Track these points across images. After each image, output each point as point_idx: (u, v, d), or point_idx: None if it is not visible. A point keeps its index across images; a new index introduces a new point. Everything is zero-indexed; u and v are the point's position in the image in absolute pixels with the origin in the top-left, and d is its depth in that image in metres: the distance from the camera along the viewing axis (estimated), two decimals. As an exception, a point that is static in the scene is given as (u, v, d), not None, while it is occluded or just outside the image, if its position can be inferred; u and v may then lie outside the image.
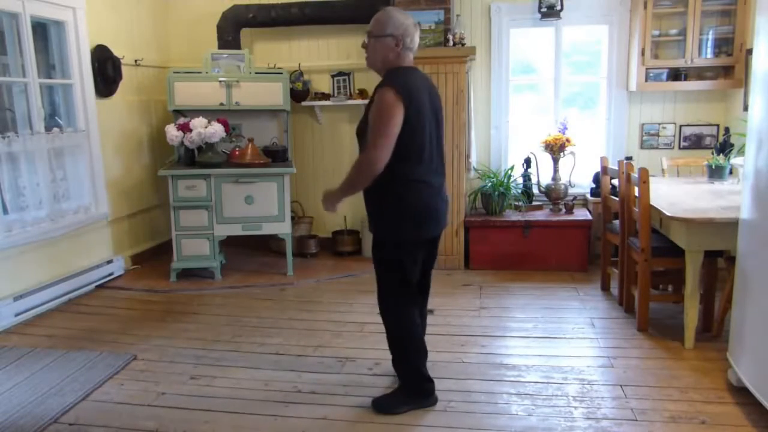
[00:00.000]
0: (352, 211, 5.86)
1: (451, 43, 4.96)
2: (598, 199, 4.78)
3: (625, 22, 5.16)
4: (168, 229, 5.11)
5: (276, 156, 5.13)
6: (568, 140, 5.07)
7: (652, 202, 3.58)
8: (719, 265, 3.73)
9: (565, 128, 5.13)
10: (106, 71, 4.89)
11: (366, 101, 5.44)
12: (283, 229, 5.02)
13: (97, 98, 4.82)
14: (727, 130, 4.69)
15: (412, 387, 2.89)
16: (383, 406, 2.87)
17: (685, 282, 3.44)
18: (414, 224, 2.70)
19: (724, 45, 4.88)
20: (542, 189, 5.31)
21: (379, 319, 4.10)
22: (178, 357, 3.50)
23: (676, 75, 5.03)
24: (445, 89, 4.96)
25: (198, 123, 4.85)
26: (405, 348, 2.88)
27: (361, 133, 2.73)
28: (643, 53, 4.91)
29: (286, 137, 5.52)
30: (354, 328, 3.90)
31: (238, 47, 5.45)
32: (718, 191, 3.90)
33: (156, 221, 5.72)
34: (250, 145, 4.99)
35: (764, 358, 2.62)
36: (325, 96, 5.61)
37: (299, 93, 5.56)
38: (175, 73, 5.19)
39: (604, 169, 4.41)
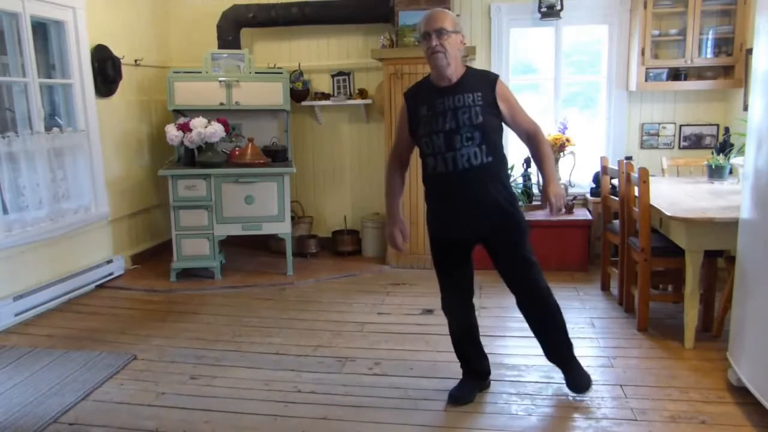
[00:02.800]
0: (352, 211, 5.86)
1: (451, 43, 4.95)
2: (598, 199, 4.78)
3: (625, 22, 5.16)
4: (168, 229, 5.11)
5: (276, 156, 5.13)
6: (568, 140, 5.07)
7: (652, 202, 3.58)
8: (719, 265, 3.73)
9: (565, 128, 5.13)
10: (106, 71, 4.89)
11: (366, 101, 5.49)
12: (283, 229, 5.02)
13: (97, 98, 4.82)
14: (727, 130, 4.70)
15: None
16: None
17: (685, 282, 3.44)
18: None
19: (724, 45, 4.88)
20: (542, 189, 5.29)
21: (379, 319, 4.12)
22: (178, 357, 3.50)
23: (676, 75, 5.03)
24: (445, 89, 4.95)
25: (198, 123, 4.85)
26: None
27: (486, 124, 2.70)
28: (643, 53, 4.91)
29: (286, 137, 5.52)
30: (354, 328, 3.90)
31: (238, 47, 5.45)
32: (718, 191, 3.90)
33: (156, 221, 5.72)
34: (250, 145, 4.99)
35: (764, 358, 2.62)
36: (325, 96, 5.61)
37: (299, 93, 5.56)
38: (175, 72, 5.19)
39: (604, 169, 4.41)
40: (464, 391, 2.97)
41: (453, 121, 2.67)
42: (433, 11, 2.72)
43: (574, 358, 3.00)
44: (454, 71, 2.69)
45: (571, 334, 3.67)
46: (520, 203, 5.20)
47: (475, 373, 3.04)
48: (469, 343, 3.04)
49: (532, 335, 3.72)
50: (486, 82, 2.74)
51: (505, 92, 2.76)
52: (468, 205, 2.75)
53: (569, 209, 5.17)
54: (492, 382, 3.12)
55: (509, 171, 5.25)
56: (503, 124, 2.80)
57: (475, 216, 2.77)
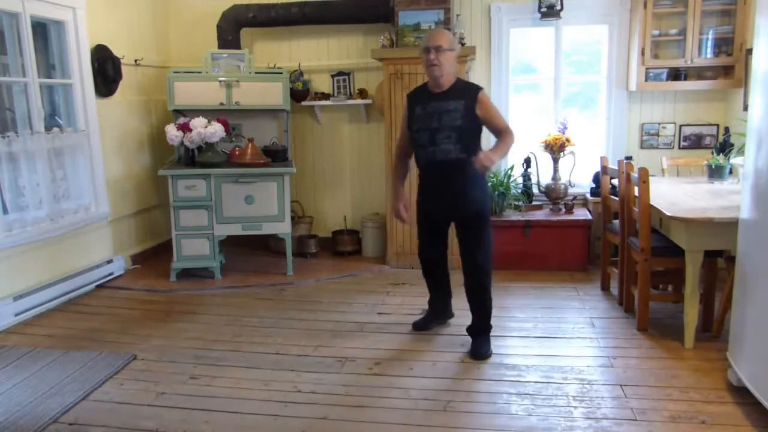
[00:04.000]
0: (352, 211, 5.86)
1: (451, 42, 4.95)
2: (598, 199, 4.78)
3: (625, 22, 5.16)
4: (168, 229, 5.11)
5: (276, 156, 5.13)
6: (567, 140, 5.07)
7: (652, 202, 3.58)
8: (719, 265, 3.73)
9: (565, 128, 5.13)
10: (106, 71, 4.89)
11: (366, 101, 5.50)
12: (283, 228, 5.02)
13: (97, 98, 4.82)
14: (727, 129, 4.69)
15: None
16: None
17: (685, 282, 3.44)
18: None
19: (724, 45, 4.88)
20: (542, 189, 5.31)
21: (379, 319, 4.13)
22: (178, 357, 3.50)
23: (676, 75, 5.03)
24: (445, 89, 4.96)
25: (198, 123, 4.85)
26: None
27: (463, 126, 3.32)
28: (643, 53, 4.91)
29: (286, 137, 5.52)
30: (354, 328, 3.91)
31: (238, 47, 5.45)
32: (718, 191, 3.90)
33: (156, 221, 5.72)
34: (250, 145, 4.98)
35: (764, 358, 2.62)
36: (325, 96, 5.61)
37: (299, 93, 5.56)
38: (175, 72, 5.19)
39: (604, 169, 4.41)
40: (424, 320, 3.84)
41: (437, 122, 3.32)
42: (435, 30, 3.47)
43: (487, 336, 3.54)
44: (446, 81, 3.34)
45: (571, 334, 3.73)
46: (520, 203, 5.26)
47: (435, 310, 3.84)
48: (434, 283, 3.79)
49: (532, 335, 3.75)
50: (470, 93, 3.34)
51: (484, 102, 3.34)
52: (443, 191, 3.41)
53: (569, 209, 5.17)
54: (492, 382, 3.12)
55: (509, 171, 5.29)
56: (482, 127, 3.40)
57: (448, 201, 3.43)
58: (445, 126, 3.30)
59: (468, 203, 3.38)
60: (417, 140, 3.41)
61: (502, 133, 3.37)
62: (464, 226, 3.45)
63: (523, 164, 5.36)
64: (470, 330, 3.59)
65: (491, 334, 3.56)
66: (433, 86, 3.39)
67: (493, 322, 3.53)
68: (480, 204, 3.40)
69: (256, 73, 5.28)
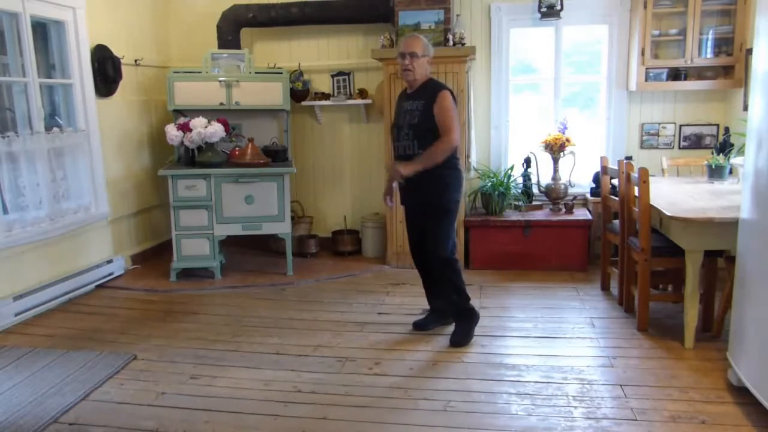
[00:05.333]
0: (352, 210, 5.86)
1: (451, 42, 4.96)
2: (598, 199, 4.78)
3: (625, 22, 5.16)
4: (168, 229, 5.11)
5: (276, 156, 5.13)
6: (567, 140, 5.07)
7: (652, 202, 3.58)
8: (719, 265, 3.73)
9: (565, 128, 5.13)
10: (106, 71, 4.89)
11: (366, 101, 5.50)
12: (283, 228, 5.02)
13: (97, 98, 4.82)
14: (727, 129, 4.69)
15: None
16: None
17: (685, 282, 3.43)
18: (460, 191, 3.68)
19: (724, 45, 4.88)
20: (542, 189, 5.31)
21: (379, 319, 4.13)
22: (178, 357, 3.50)
23: (676, 75, 5.03)
24: (445, 89, 4.96)
25: (198, 123, 4.85)
26: None
27: (419, 124, 3.49)
28: (643, 53, 4.91)
29: (286, 137, 5.52)
30: (354, 328, 3.90)
31: (238, 47, 5.45)
32: (718, 191, 3.90)
33: (156, 221, 5.72)
34: (250, 145, 4.98)
35: (764, 358, 2.62)
36: (325, 96, 5.61)
37: (299, 93, 5.56)
38: (175, 72, 5.19)
39: (604, 169, 4.41)
40: (424, 320, 3.88)
41: (403, 119, 3.57)
42: (410, 37, 3.58)
43: (465, 318, 3.67)
44: (418, 84, 3.57)
45: (571, 334, 3.73)
46: (520, 203, 5.25)
47: (434, 309, 3.91)
48: (427, 285, 3.91)
49: (532, 335, 3.75)
50: (432, 93, 3.49)
51: (441, 102, 3.46)
52: (407, 185, 3.60)
53: (569, 209, 5.17)
54: (492, 381, 3.12)
55: (509, 171, 5.29)
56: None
57: (410, 194, 3.65)
58: (406, 124, 3.53)
59: (423, 195, 3.56)
60: (391, 135, 3.73)
61: (440, 138, 3.46)
62: (424, 218, 3.61)
63: (523, 164, 5.36)
64: (451, 314, 3.78)
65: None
66: (408, 87, 3.66)
67: (493, 322, 3.53)
68: (437, 196, 3.53)
69: (256, 73, 5.28)
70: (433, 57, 3.63)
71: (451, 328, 3.72)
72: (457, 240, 3.76)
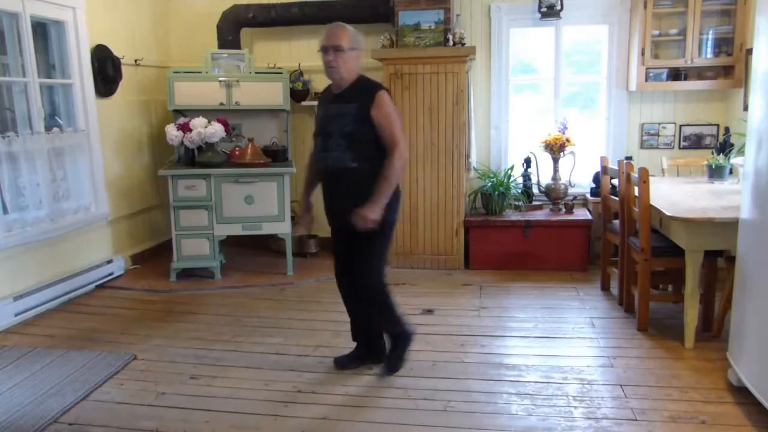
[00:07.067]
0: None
1: (451, 42, 4.96)
2: (598, 199, 4.78)
3: (625, 22, 5.16)
4: (168, 229, 5.11)
5: (276, 156, 5.13)
6: (568, 140, 5.07)
7: (652, 202, 3.58)
8: (719, 265, 3.73)
9: (565, 128, 5.13)
10: (106, 71, 4.89)
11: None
12: (283, 228, 5.02)
13: (97, 98, 4.82)
14: (727, 129, 4.69)
15: None
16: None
17: (685, 282, 3.43)
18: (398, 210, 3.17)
19: (724, 45, 4.88)
20: (542, 189, 5.31)
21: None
22: (178, 357, 3.50)
23: (676, 75, 5.03)
24: (445, 89, 4.96)
25: (198, 123, 4.85)
26: None
27: (353, 132, 2.95)
28: (643, 53, 4.91)
29: (286, 137, 5.52)
30: (354, 328, 3.90)
31: (238, 47, 5.45)
32: (718, 191, 3.90)
33: (156, 221, 5.71)
34: (250, 145, 4.98)
35: (764, 358, 2.62)
36: (325, 96, 5.60)
37: (299, 93, 5.56)
38: (175, 72, 5.19)
39: (604, 169, 4.41)
40: (345, 358, 3.35)
41: (331, 126, 3.01)
42: (334, 27, 2.99)
43: (401, 344, 3.26)
44: (345, 82, 3.01)
45: (571, 334, 3.72)
46: (520, 203, 5.25)
47: (360, 347, 3.35)
48: (353, 320, 3.36)
49: (532, 335, 3.75)
50: (367, 93, 2.97)
51: (381, 105, 2.94)
52: (334, 202, 3.13)
53: (569, 209, 5.17)
54: (492, 381, 3.12)
55: (509, 171, 5.29)
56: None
57: (338, 212, 3.12)
58: (336, 131, 2.98)
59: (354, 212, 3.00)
60: (314, 145, 3.13)
61: (389, 156, 2.95)
62: (357, 240, 3.05)
63: (523, 164, 5.36)
64: (384, 334, 3.35)
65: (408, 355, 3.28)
66: (334, 87, 3.09)
67: (493, 322, 3.52)
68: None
69: (256, 73, 5.28)
70: (363, 50, 3.10)
71: (450, 327, 3.69)
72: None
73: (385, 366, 3.24)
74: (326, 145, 3.02)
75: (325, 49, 2.96)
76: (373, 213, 2.89)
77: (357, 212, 2.90)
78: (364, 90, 3.00)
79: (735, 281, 3.02)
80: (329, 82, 3.10)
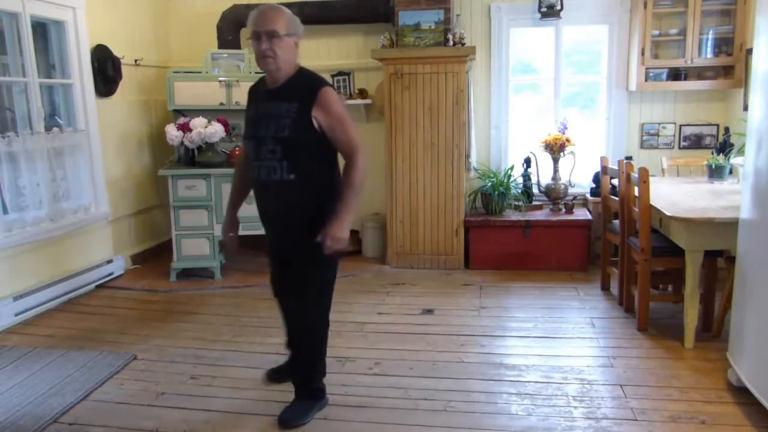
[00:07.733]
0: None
1: (451, 42, 4.96)
2: (598, 199, 4.78)
3: (625, 22, 5.16)
4: (168, 229, 5.11)
5: (276, 156, 5.12)
6: (568, 140, 5.07)
7: (652, 202, 3.58)
8: (719, 265, 3.73)
9: (565, 128, 5.13)
10: (106, 71, 4.89)
11: (366, 101, 5.49)
12: (283, 229, 5.01)
13: (97, 98, 4.82)
14: (727, 129, 4.69)
15: None
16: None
17: (685, 282, 3.43)
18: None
19: (724, 45, 4.88)
20: (542, 189, 5.31)
21: (379, 319, 4.12)
22: (178, 357, 3.50)
23: (676, 75, 5.03)
24: (445, 89, 4.96)
25: (198, 123, 4.85)
26: None
27: (292, 139, 2.48)
28: (643, 53, 4.91)
29: (286, 137, 5.51)
30: (354, 328, 3.90)
31: (238, 47, 5.45)
32: (718, 191, 3.90)
33: (156, 221, 5.71)
34: (250, 145, 4.98)
35: (764, 358, 2.62)
36: (325, 96, 5.59)
37: (299, 93, 5.55)
38: (175, 72, 5.18)
39: (604, 169, 4.41)
40: (278, 371, 3.05)
41: (264, 130, 2.52)
42: (265, 8, 2.46)
43: (312, 398, 2.82)
44: (284, 76, 2.51)
45: (571, 334, 3.72)
46: (520, 203, 5.24)
47: (291, 360, 2.95)
48: (285, 325, 2.88)
49: (532, 335, 3.74)
50: (308, 91, 2.48)
51: (327, 104, 2.47)
52: (268, 217, 2.72)
53: (569, 209, 5.17)
54: (492, 381, 3.12)
55: (509, 171, 5.29)
56: (327, 139, 2.53)
57: (273, 229, 2.74)
58: (271, 136, 2.49)
59: (288, 234, 2.64)
60: (245, 150, 2.68)
61: (348, 162, 2.52)
62: (289, 268, 2.68)
63: (523, 164, 5.36)
64: (294, 380, 2.88)
65: (317, 406, 2.83)
66: (269, 81, 2.57)
67: (493, 322, 3.52)
68: (308, 240, 2.50)
69: (256, 73, 5.27)
70: (301, 36, 2.54)
71: (450, 328, 3.66)
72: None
73: (284, 415, 2.72)
74: (258, 152, 2.54)
75: (256, 36, 2.44)
76: (340, 231, 2.46)
77: (324, 233, 2.46)
78: (305, 86, 2.51)
79: (735, 281, 3.02)
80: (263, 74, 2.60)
